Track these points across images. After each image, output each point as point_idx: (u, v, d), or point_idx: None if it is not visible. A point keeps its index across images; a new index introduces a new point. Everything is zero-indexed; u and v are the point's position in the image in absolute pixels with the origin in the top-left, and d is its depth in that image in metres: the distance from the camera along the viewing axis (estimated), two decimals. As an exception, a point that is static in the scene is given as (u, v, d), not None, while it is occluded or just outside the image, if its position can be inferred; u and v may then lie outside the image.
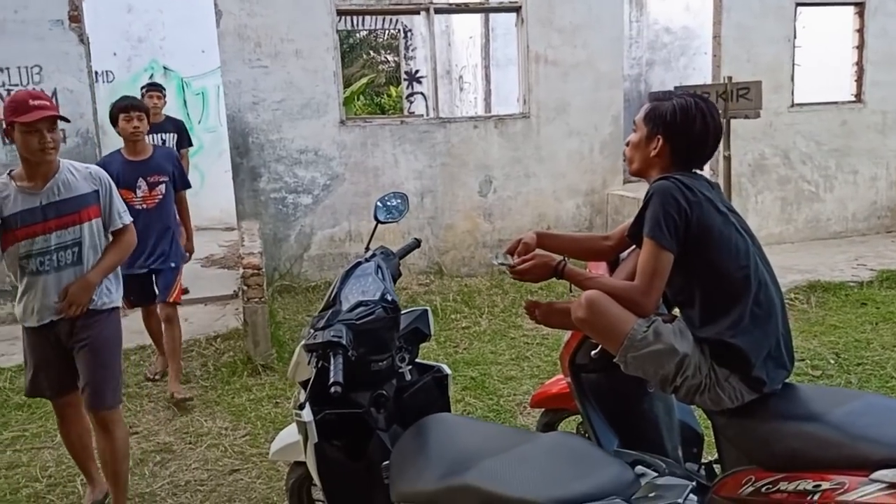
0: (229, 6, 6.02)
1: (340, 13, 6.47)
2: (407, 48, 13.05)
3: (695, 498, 1.44)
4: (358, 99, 16.43)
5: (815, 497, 1.74)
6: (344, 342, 1.93)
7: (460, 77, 12.60)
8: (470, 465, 1.60)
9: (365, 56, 20.85)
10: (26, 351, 2.98)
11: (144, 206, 4.22)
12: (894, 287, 5.99)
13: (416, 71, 13.00)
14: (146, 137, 4.38)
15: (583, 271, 2.33)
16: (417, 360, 2.43)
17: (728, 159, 3.13)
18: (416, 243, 2.62)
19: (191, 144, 6.45)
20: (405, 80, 12.96)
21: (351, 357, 1.96)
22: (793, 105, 7.37)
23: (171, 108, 10.23)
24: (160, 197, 4.28)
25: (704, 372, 2.04)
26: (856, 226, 7.80)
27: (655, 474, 1.45)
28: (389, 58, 20.20)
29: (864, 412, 1.83)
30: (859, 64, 7.61)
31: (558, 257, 2.35)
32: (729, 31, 7.05)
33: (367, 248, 2.44)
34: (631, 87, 13.25)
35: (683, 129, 2.12)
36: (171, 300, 4.33)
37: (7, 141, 3.03)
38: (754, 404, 2.00)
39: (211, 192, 9.54)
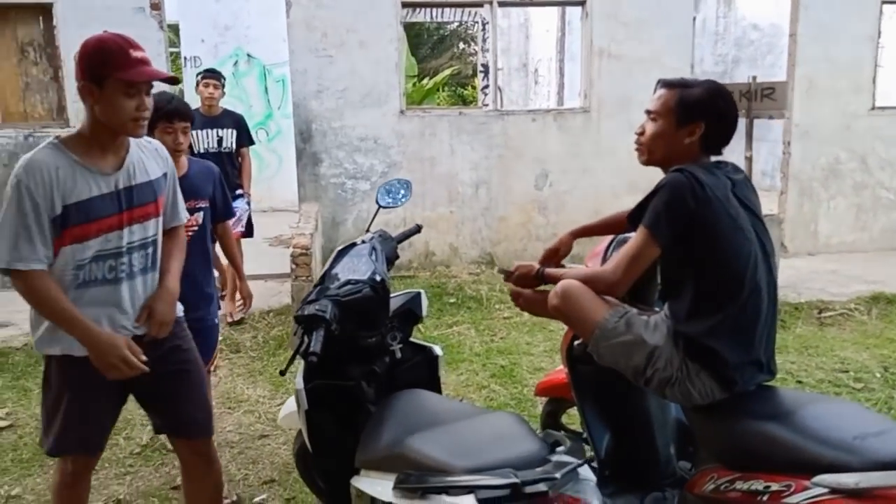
0: (299, -3, 6.28)
1: (405, 5, 6.63)
2: (484, 40, 13.11)
3: (592, 477, 1.50)
4: (442, 90, 16.62)
5: (765, 498, 1.76)
6: (327, 316, 2.07)
7: (536, 70, 12.59)
8: (411, 434, 1.72)
9: (456, 48, 21.02)
10: (55, 392, 2.21)
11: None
12: (967, 303, 5.66)
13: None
14: (191, 136, 3.57)
15: (561, 269, 2.37)
16: (413, 339, 2.55)
17: (749, 160, 3.08)
18: (417, 229, 2.73)
19: (251, 142, 5.70)
20: (481, 72, 13.02)
21: (334, 331, 2.10)
22: (873, 108, 7.02)
23: (255, 95, 10.79)
24: (196, 227, 3.05)
25: (676, 365, 2.06)
26: (938, 237, 7.36)
27: (568, 456, 1.51)
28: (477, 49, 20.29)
29: (822, 415, 1.83)
30: (950, 66, 7.16)
31: (537, 265, 2.44)
32: (807, 28, 6.78)
33: (368, 230, 2.57)
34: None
35: (725, 113, 2.11)
36: (211, 367, 3.22)
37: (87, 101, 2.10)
38: (722, 402, 2.01)
39: (288, 175, 9.94)
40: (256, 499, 3.22)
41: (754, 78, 2.90)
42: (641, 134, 2.23)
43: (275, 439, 3.79)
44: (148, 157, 2.26)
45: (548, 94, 11.94)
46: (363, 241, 2.46)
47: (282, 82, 10.65)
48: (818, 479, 1.63)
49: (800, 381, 4.23)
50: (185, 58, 10.46)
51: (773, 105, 2.85)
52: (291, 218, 10.07)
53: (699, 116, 2.08)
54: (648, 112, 2.20)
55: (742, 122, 2.98)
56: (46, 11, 6.06)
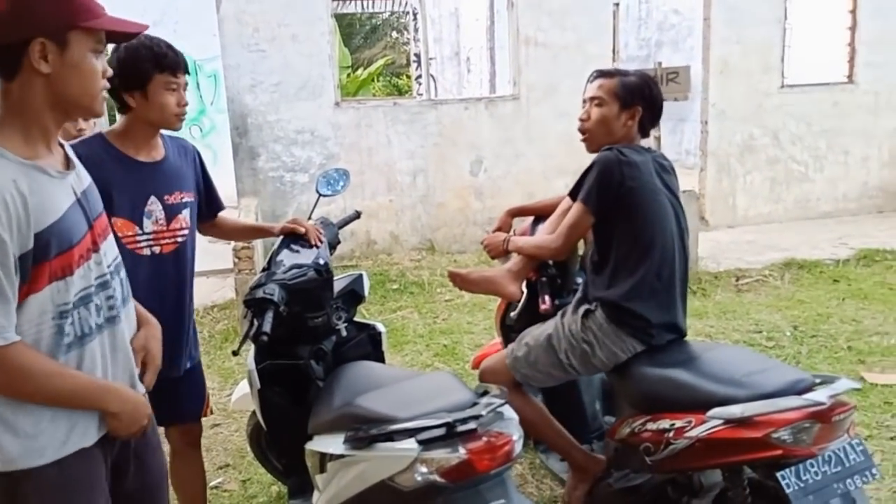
0: (229, -8, 6.31)
1: (335, -2, 6.73)
2: (416, 30, 13.25)
3: (516, 416, 1.73)
4: (376, 80, 16.66)
5: (671, 434, 2.01)
6: (275, 299, 2.23)
7: (468, 58, 12.80)
8: (357, 396, 1.91)
9: (389, 37, 21.02)
10: None
11: (158, 249, 2.23)
12: (870, 265, 6.15)
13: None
14: None
15: (521, 240, 2.59)
16: (357, 319, 2.73)
17: (658, 140, 3.35)
18: (357, 215, 2.89)
19: None
20: (414, 61, 13.17)
21: (282, 312, 2.25)
22: (783, 86, 7.48)
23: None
24: (185, 232, 2.30)
25: (579, 334, 2.33)
26: (847, 206, 7.91)
27: (493, 399, 1.73)
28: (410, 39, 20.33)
29: (717, 359, 2.10)
30: (851, 45, 7.68)
31: (503, 235, 2.67)
32: (719, 12, 7.17)
33: (310, 218, 2.72)
34: (639, 68, 13.34)
35: (657, 97, 2.39)
36: (205, 413, 2.57)
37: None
38: (634, 357, 2.26)
39: (225, 171, 9.89)
40: (213, 482, 3.34)
41: (660, 64, 3.17)
42: (586, 120, 2.44)
43: (227, 427, 3.91)
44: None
45: (480, 81, 12.17)
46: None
47: (213, 77, 10.57)
48: (712, 412, 1.88)
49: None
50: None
51: (678, 88, 3.12)
52: (230, 213, 10.11)
53: (638, 100, 2.35)
54: (592, 98, 2.42)
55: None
56: None
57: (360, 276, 2.67)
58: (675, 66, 3.12)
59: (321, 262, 2.41)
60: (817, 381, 1.88)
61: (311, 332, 2.50)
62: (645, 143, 2.49)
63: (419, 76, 13.48)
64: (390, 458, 1.61)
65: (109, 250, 1.53)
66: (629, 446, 2.20)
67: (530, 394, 2.68)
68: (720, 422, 1.87)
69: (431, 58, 13.52)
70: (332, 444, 1.82)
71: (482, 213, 7.16)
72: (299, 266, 2.38)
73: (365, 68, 15.55)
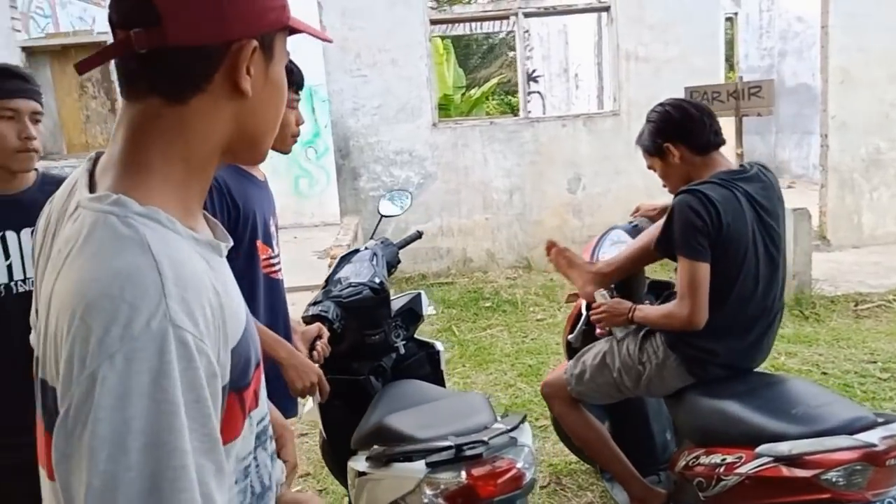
0: (332, 21, 6.62)
1: (433, 22, 6.89)
2: (525, 48, 13.28)
3: (529, 444, 1.68)
4: (490, 99, 16.84)
5: (722, 469, 1.90)
6: (329, 316, 2.31)
7: (576, 74, 12.67)
8: (390, 414, 1.94)
9: (506, 56, 21.20)
10: None
11: (278, 273, 2.16)
12: None
13: (533, 70, 13.20)
14: None
15: (649, 310, 2.33)
16: (418, 337, 2.77)
17: (741, 156, 3.18)
18: (418, 235, 2.94)
19: None
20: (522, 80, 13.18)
21: (336, 329, 2.33)
22: (914, 95, 6.89)
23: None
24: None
25: (636, 355, 2.25)
26: None
27: (502, 425, 1.70)
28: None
29: (774, 393, 1.97)
30: None
31: (628, 303, 2.39)
32: (838, 20, 6.72)
33: (372, 237, 2.79)
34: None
35: (669, 118, 2.23)
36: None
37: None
38: (690, 387, 2.16)
39: (334, 192, 10.33)
40: (293, 489, 3.48)
41: (741, 78, 3.01)
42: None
43: (312, 438, 4.05)
44: None
45: (588, 98, 12.01)
46: (366, 248, 2.69)
47: (327, 101, 11.07)
48: (761, 448, 1.76)
49: (825, 373, 4.26)
50: (236, 83, 10.98)
51: (761, 103, 2.95)
52: (331, 232, 10.52)
53: (662, 140, 2.25)
54: (649, 167, 2.40)
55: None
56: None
57: (419, 294, 2.71)
58: (758, 80, 2.95)
59: (377, 280, 2.48)
60: (879, 420, 1.72)
61: (371, 349, 2.56)
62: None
63: (529, 93, 13.50)
64: (400, 479, 1.63)
65: None
66: (685, 480, 2.10)
67: (592, 416, 2.62)
68: (769, 459, 1.75)
69: (540, 75, 13.53)
70: (361, 461, 1.86)
71: (580, 231, 7.05)
72: (356, 284, 2.45)
73: (480, 87, 15.80)
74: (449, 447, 1.57)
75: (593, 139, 6.96)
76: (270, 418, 0.99)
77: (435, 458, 1.57)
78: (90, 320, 0.68)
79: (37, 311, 0.85)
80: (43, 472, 0.81)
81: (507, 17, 7.53)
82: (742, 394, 1.98)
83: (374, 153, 6.82)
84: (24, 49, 6.47)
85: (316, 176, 11.05)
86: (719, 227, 2.06)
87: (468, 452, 1.56)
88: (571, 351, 2.85)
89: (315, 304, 2.40)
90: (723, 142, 2.25)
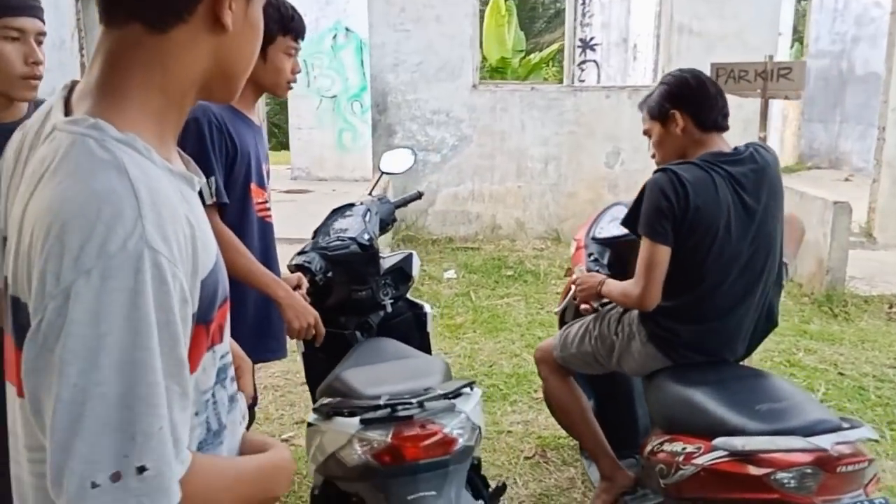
0: (380, -28, 6.53)
1: (482, -20, 6.73)
2: (584, 14, 12.92)
3: (467, 411, 1.66)
4: (549, 65, 16.51)
5: (681, 458, 1.85)
6: (312, 268, 2.32)
7: (634, 45, 12.29)
8: (347, 369, 1.94)
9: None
10: None
11: (268, 216, 2.23)
12: None
13: (591, 38, 12.86)
14: None
15: (613, 285, 2.27)
16: (409, 297, 2.76)
17: (763, 140, 3.03)
18: (418, 195, 2.90)
19: None
20: (578, 47, 12.86)
21: (319, 281, 2.34)
22: None
23: (351, 68, 11.19)
24: None
25: (613, 326, 2.23)
26: None
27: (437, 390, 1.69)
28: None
29: (743, 387, 1.90)
30: None
31: (600, 277, 2.37)
32: (911, 4, 6.33)
33: (370, 193, 2.77)
34: (830, 65, 12.13)
35: (685, 88, 2.14)
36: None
37: None
38: (662, 371, 2.11)
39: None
40: (285, 435, 3.55)
41: (770, 57, 2.85)
42: (652, 154, 2.33)
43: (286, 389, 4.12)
44: None
45: (644, 70, 11.64)
46: (361, 203, 2.67)
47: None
48: (717, 441, 1.71)
49: (841, 373, 4.11)
50: (289, 31, 11.00)
51: (790, 85, 2.79)
52: (356, 188, 10.55)
53: (669, 106, 2.14)
54: (644, 133, 2.31)
55: (758, 103, 2.94)
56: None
57: (410, 255, 2.69)
58: (788, 62, 2.78)
59: (366, 237, 2.46)
60: (844, 425, 1.64)
61: (357, 305, 2.56)
62: (737, 139, 2.24)
63: (582, 62, 13.18)
64: (337, 433, 1.63)
65: None
66: (650, 465, 2.06)
67: (577, 388, 2.60)
68: (724, 453, 1.70)
69: (597, 43, 13.17)
70: (312, 412, 1.88)
71: (615, 208, 6.90)
72: (343, 238, 2.44)
73: (541, 52, 15.48)
74: (381, 406, 1.57)
75: (637, 113, 6.74)
76: (232, 349, 1.02)
77: (369, 415, 1.57)
78: (65, 237, 0.69)
79: (4, 235, 0.86)
80: (11, 390, 0.82)
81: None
82: (711, 384, 1.92)
83: (410, 111, 6.76)
84: (77, -18, 6.57)
85: (360, 130, 11.07)
86: (685, 209, 1.98)
87: (401, 413, 1.55)
88: (563, 323, 2.83)
89: (301, 253, 2.41)
90: (727, 127, 2.17)
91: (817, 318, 5.04)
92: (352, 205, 2.65)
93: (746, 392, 1.85)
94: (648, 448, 2.07)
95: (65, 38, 6.57)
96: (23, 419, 0.79)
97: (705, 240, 2.01)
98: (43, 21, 1.69)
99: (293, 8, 2.06)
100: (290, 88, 2.14)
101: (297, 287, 2.21)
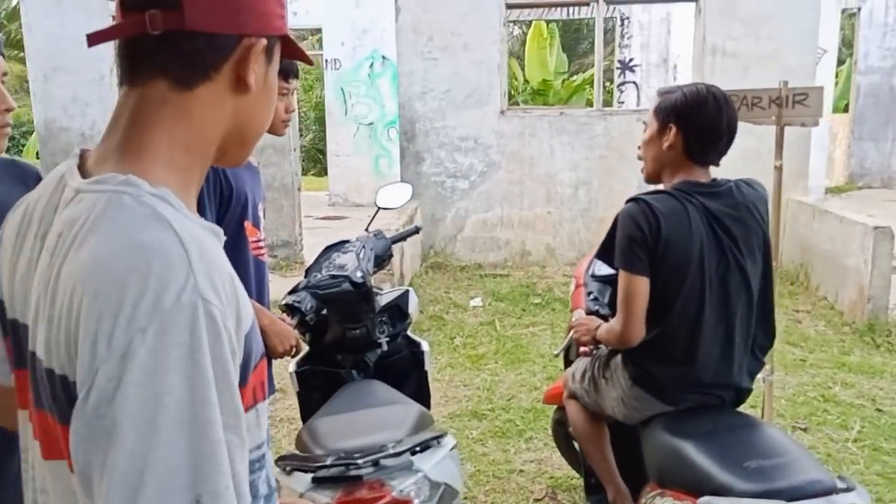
0: (408, 3, 6.58)
1: (510, 7, 6.72)
2: (622, 36, 12.81)
3: (424, 470, 1.58)
4: (592, 86, 16.39)
5: (670, 514, 1.75)
6: (302, 308, 2.29)
7: (675, 66, 12.09)
8: (319, 417, 1.90)
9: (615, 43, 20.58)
10: None
11: (261, 254, 2.25)
12: None
13: (630, 59, 12.71)
14: None
15: (603, 328, 2.18)
16: (409, 334, 2.71)
17: (779, 170, 2.90)
18: (415, 230, 2.86)
19: None
20: (617, 68, 12.74)
21: (309, 321, 2.31)
22: None
23: (387, 95, 11.30)
24: None
25: (602, 368, 2.16)
26: None
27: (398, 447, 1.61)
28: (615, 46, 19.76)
29: (736, 440, 1.78)
30: None
31: (597, 321, 2.27)
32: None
33: (367, 230, 2.74)
34: (881, 81, 11.72)
35: (696, 113, 1.96)
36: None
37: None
38: (654, 419, 2.01)
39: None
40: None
41: (785, 83, 2.72)
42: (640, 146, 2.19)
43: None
44: None
45: (685, 91, 11.45)
46: (357, 239, 2.64)
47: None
48: (701, 500, 1.60)
49: (879, 409, 3.88)
50: (326, 60, 11.18)
51: (807, 112, 2.66)
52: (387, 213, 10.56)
53: (672, 119, 1.99)
54: (644, 122, 2.16)
55: (773, 130, 2.82)
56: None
57: (407, 292, 2.64)
58: (805, 87, 2.65)
59: (358, 274, 2.42)
60: (840, 485, 1.52)
61: (353, 343, 2.52)
62: (729, 172, 2.13)
63: (622, 83, 13.04)
64: (291, 491, 1.57)
65: None
66: (644, 518, 1.95)
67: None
68: (709, 513, 1.59)
69: (637, 65, 13.01)
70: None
71: (648, 233, 6.75)
72: (335, 277, 2.41)
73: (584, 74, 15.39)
74: (330, 465, 1.51)
75: (669, 137, 6.62)
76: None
77: (321, 473, 1.51)
78: (116, 294, 0.66)
79: (13, 314, 0.82)
80: (64, 467, 0.75)
81: (587, 4, 7.23)
82: (702, 435, 1.81)
83: (438, 138, 6.76)
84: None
85: (395, 156, 11.12)
86: (657, 239, 1.89)
87: (351, 472, 1.49)
88: (569, 362, 2.75)
89: (292, 292, 2.38)
90: (716, 164, 2.05)
91: (858, 349, 4.80)
92: (346, 241, 2.62)
93: (738, 445, 1.73)
94: (642, 501, 1.96)
95: (104, 73, 6.80)
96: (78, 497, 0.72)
97: (677, 274, 1.92)
98: (3, 56, 1.49)
99: None
100: (287, 126, 2.17)
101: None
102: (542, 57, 14.42)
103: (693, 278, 1.91)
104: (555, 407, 3.18)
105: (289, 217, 7.04)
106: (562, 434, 3.05)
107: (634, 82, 12.76)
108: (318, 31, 11.09)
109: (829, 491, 1.49)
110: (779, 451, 1.68)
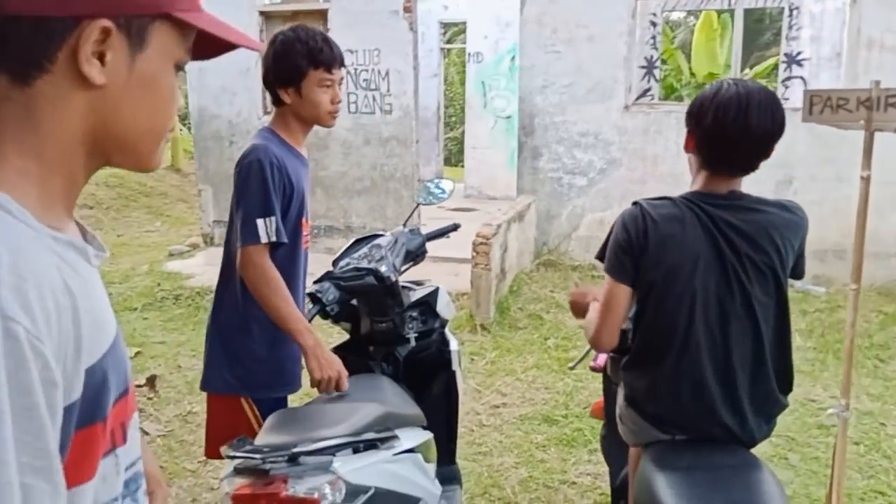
0: (534, -6, 6.46)
1: (640, -4, 6.40)
2: (790, 27, 11.72)
3: (340, 474, 1.52)
4: (770, 77, 15.25)
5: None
6: (323, 298, 2.33)
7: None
8: (307, 405, 1.93)
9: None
10: None
11: (307, 246, 2.33)
12: None
13: (798, 53, 11.60)
14: None
15: (593, 309, 2.06)
16: (445, 332, 2.68)
17: (867, 180, 2.51)
18: (454, 227, 2.80)
19: None
20: (783, 62, 11.71)
21: (330, 311, 2.35)
22: None
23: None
24: None
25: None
26: None
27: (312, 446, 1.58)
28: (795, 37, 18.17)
29: (722, 479, 1.60)
30: None
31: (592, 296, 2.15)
32: None
33: (405, 225, 2.73)
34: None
35: (712, 118, 1.72)
36: None
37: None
38: (649, 445, 1.84)
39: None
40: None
41: (877, 83, 2.35)
42: None
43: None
44: None
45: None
46: (390, 234, 2.64)
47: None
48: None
49: None
50: (469, 54, 11.27)
51: (903, 116, 2.30)
52: (498, 207, 10.35)
53: (690, 124, 1.80)
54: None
55: (860, 136, 2.45)
56: (323, 15, 7.13)
57: (437, 289, 2.61)
58: None
59: (383, 268, 2.43)
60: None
61: (382, 336, 2.54)
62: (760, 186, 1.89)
63: (787, 78, 11.95)
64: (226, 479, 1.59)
65: None
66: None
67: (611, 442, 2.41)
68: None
69: (806, 59, 11.87)
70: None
71: (783, 243, 6.19)
72: (359, 269, 2.43)
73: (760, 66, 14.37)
74: (244, 457, 1.51)
75: (813, 138, 6.00)
76: (148, 470, 0.94)
77: (239, 463, 1.53)
78: None
79: None
80: None
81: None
82: (678, 469, 1.63)
83: (557, 133, 6.60)
84: (261, 13, 7.27)
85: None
86: (644, 245, 1.73)
87: (264, 466, 1.48)
88: (606, 378, 2.59)
89: (317, 282, 2.44)
90: (741, 175, 1.81)
91: None
92: (377, 235, 2.63)
93: (707, 485, 1.54)
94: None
95: (250, 66, 7.30)
96: None
97: (664, 284, 1.73)
98: None
99: (325, 39, 2.07)
100: (335, 118, 2.15)
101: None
102: (710, 49, 13.57)
103: (682, 292, 1.72)
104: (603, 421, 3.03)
105: (409, 207, 7.18)
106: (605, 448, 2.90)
107: (802, 77, 11.66)
108: (463, 24, 11.21)
109: None
110: (752, 494, 1.48)
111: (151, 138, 0.80)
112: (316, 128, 2.24)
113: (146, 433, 3.73)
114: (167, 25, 0.77)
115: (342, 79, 2.14)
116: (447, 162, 15.17)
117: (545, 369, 4.63)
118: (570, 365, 2.51)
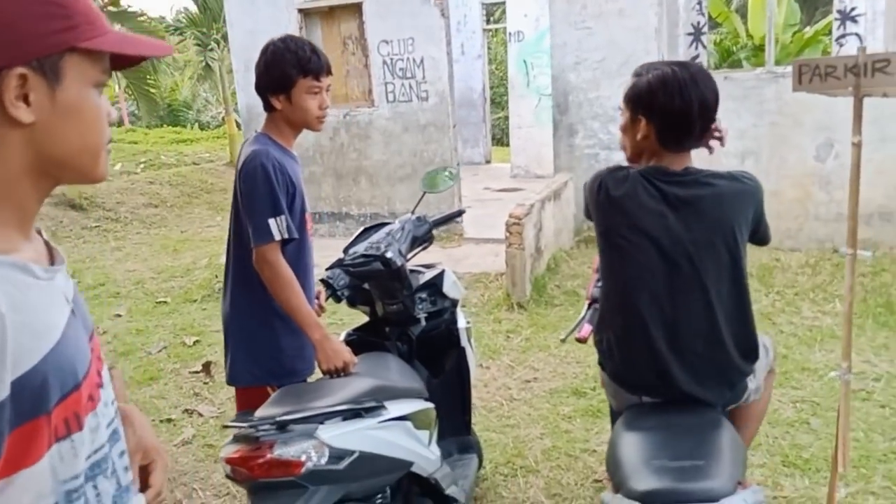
0: (561, -29, 6.47)
1: (670, -34, 6.32)
2: (844, -19, 11.23)
3: (316, 440, 1.69)
4: (828, 35, 14.69)
5: (607, 509, 1.73)
6: (333, 283, 2.53)
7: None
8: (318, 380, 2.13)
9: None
10: None
11: (311, 237, 2.54)
12: None
13: (852, 9, 11.12)
14: None
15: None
16: (457, 311, 2.85)
17: (858, 146, 2.51)
18: (458, 213, 2.93)
19: None
20: (836, 19, 11.24)
21: (340, 295, 2.55)
22: None
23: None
24: None
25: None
26: None
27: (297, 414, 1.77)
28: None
29: (685, 436, 1.74)
30: None
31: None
32: None
33: (413, 213, 2.88)
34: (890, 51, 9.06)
35: (662, 103, 1.88)
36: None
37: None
38: (626, 410, 1.97)
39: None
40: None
41: (863, 49, 2.34)
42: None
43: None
44: None
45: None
46: (398, 221, 2.80)
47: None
48: (602, 494, 1.58)
49: None
50: (510, 33, 11.26)
51: (888, 80, 2.28)
52: (536, 185, 10.32)
53: (641, 112, 1.93)
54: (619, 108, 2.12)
55: (849, 103, 2.46)
56: (358, 8, 7.31)
57: (443, 272, 2.76)
58: (886, 53, 2.24)
59: (389, 254, 2.60)
60: (740, 491, 1.42)
61: (395, 317, 2.73)
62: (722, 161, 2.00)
63: (841, 36, 11.48)
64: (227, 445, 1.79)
65: (106, 376, 1.02)
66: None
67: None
68: (616, 511, 1.57)
69: (860, 14, 11.36)
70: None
71: (828, 207, 6.08)
72: (367, 256, 2.61)
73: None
74: (239, 426, 1.70)
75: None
76: (145, 443, 1.08)
77: (236, 431, 1.72)
78: None
79: None
80: None
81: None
82: (643, 429, 1.75)
83: (592, 109, 6.62)
84: (300, 10, 7.50)
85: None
86: (598, 217, 1.97)
87: (255, 434, 1.67)
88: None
89: (329, 269, 2.63)
90: (699, 147, 1.93)
91: None
92: (386, 223, 2.80)
93: (668, 443, 1.65)
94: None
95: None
96: None
97: (620, 258, 1.90)
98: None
99: (313, 49, 2.25)
100: (322, 122, 2.34)
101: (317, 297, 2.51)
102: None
103: (629, 263, 1.87)
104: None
105: (448, 191, 7.33)
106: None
107: (857, 34, 11.19)
108: (502, 3, 11.21)
109: (715, 498, 1.41)
110: (703, 454, 1.59)
111: (89, 154, 0.90)
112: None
113: (201, 415, 4.03)
114: (77, 56, 0.86)
115: (329, 86, 2.30)
116: (497, 142, 15.20)
117: (577, 343, 4.73)
118: (561, 337, 2.64)
